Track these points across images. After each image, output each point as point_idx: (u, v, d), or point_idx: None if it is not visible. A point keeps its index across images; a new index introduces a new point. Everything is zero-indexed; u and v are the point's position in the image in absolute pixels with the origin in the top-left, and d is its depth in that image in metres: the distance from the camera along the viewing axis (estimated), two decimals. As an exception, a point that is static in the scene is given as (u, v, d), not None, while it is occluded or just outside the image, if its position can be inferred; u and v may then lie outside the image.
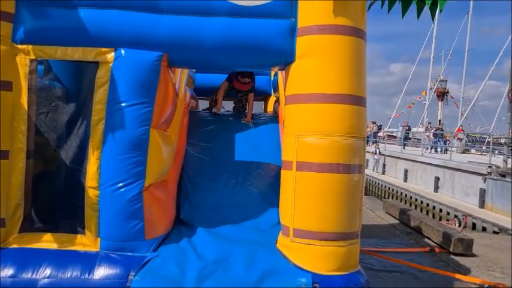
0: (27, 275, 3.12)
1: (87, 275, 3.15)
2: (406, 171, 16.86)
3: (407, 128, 23.83)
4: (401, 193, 15.00)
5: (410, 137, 24.14)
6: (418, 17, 3.23)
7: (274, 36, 3.38)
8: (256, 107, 6.16)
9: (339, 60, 3.28)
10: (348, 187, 3.27)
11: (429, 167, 15.05)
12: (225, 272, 3.20)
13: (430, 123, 27.86)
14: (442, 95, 37.02)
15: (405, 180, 16.76)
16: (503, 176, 11.19)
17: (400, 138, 23.23)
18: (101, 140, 3.28)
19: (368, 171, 18.87)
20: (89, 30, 3.29)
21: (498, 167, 11.73)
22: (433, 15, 3.21)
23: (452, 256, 6.90)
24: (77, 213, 3.34)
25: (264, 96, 7.17)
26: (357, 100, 3.32)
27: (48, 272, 3.14)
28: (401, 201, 13.99)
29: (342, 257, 3.28)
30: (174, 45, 3.39)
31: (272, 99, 6.69)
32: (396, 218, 10.26)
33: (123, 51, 3.32)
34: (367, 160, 18.43)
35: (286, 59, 3.44)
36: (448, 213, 11.61)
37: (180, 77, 4.51)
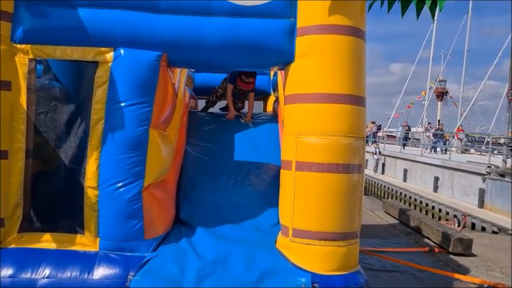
0: (27, 275, 3.11)
1: (86, 275, 3.14)
2: (405, 171, 16.88)
3: (407, 127, 23.80)
4: (401, 193, 15.01)
5: (409, 137, 24.12)
6: (417, 17, 3.23)
7: (274, 36, 3.37)
8: (256, 106, 6.14)
9: (338, 60, 3.28)
10: (348, 187, 3.27)
11: (428, 167, 15.07)
12: (224, 271, 3.20)
13: (429, 123, 27.87)
14: (441, 95, 37.07)
15: (404, 180, 16.78)
16: (503, 176, 11.20)
17: (400, 138, 23.25)
18: (100, 140, 3.27)
19: (368, 172, 18.89)
20: (88, 29, 3.29)
21: (497, 167, 11.74)
22: (432, 15, 3.21)
23: (451, 256, 6.91)
24: (76, 213, 3.34)
25: (263, 96, 7.17)
26: (356, 100, 3.32)
27: (47, 272, 3.13)
28: (400, 201, 14.00)
29: (342, 256, 3.28)
30: (174, 45, 3.39)
31: (271, 99, 6.69)
32: (396, 218, 10.27)
33: (122, 51, 3.32)
34: (367, 160, 18.43)
35: (285, 58, 3.44)
36: (448, 213, 11.62)
37: (180, 76, 4.51)
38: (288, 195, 3.36)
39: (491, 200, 11.40)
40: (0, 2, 3.22)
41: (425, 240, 8.01)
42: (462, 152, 19.57)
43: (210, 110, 5.95)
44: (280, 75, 4.81)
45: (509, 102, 12.54)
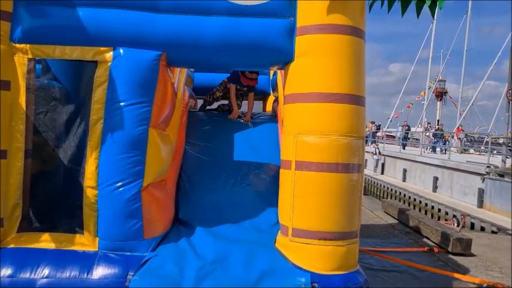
0: (26, 275, 3.11)
1: (85, 275, 3.14)
2: (404, 171, 16.89)
3: (406, 127, 23.81)
4: (400, 193, 15.02)
5: (409, 137, 24.12)
6: (417, 16, 3.22)
7: (273, 35, 3.37)
8: (255, 106, 6.13)
9: (338, 60, 3.27)
10: (347, 186, 3.27)
11: (428, 167, 15.07)
12: (223, 271, 3.19)
13: (429, 123, 27.87)
14: (440, 95, 37.05)
15: (404, 180, 16.79)
16: (502, 175, 11.21)
17: (399, 138, 23.26)
18: (99, 140, 3.27)
19: (368, 172, 18.89)
20: (87, 29, 3.28)
21: (496, 167, 11.75)
22: (432, 14, 3.21)
23: (450, 256, 6.92)
24: (75, 213, 3.33)
25: (262, 95, 7.17)
26: (356, 99, 3.32)
27: (46, 271, 3.13)
28: (400, 201, 14.00)
29: (341, 256, 3.27)
30: (173, 45, 3.38)
31: (271, 99, 6.69)
32: (395, 218, 10.28)
33: (121, 51, 3.32)
34: (366, 160, 18.44)
35: (285, 58, 3.44)
36: (447, 213, 11.62)
37: (179, 76, 4.50)
38: (288, 195, 3.36)
39: (490, 200, 11.41)
40: (-1, 1, 3.22)
41: (425, 240, 8.02)
42: (461, 152, 19.59)
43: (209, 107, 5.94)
44: (280, 75, 4.81)
45: (509, 102, 12.55)
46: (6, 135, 3.28)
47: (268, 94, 6.97)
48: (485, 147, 17.74)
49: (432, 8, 3.09)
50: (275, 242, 3.53)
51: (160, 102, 3.47)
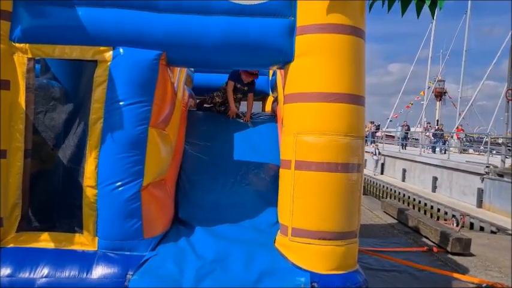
0: (25, 275, 3.10)
1: (85, 275, 3.14)
2: (404, 171, 16.90)
3: (406, 127, 23.81)
4: (400, 193, 15.02)
5: (408, 137, 24.13)
6: (418, 16, 3.22)
7: (273, 35, 3.37)
8: (254, 107, 6.13)
9: (338, 59, 3.27)
10: (347, 186, 3.27)
11: (427, 166, 15.08)
12: (223, 271, 3.19)
13: (429, 123, 27.86)
14: (440, 95, 37.09)
15: (403, 180, 16.80)
16: (501, 175, 11.22)
17: (399, 138, 23.26)
18: (99, 139, 3.27)
19: (367, 172, 18.89)
20: (87, 28, 3.28)
21: (496, 166, 11.77)
22: (432, 14, 3.21)
23: (450, 255, 6.93)
24: (74, 213, 3.33)
25: (262, 96, 7.17)
26: (355, 99, 3.32)
27: (45, 271, 3.12)
28: (399, 201, 14.01)
29: (341, 256, 3.27)
30: (173, 44, 3.38)
31: (270, 99, 6.70)
32: (394, 218, 10.29)
33: (121, 50, 3.31)
34: (366, 160, 18.44)
35: (285, 58, 3.44)
36: (446, 213, 11.63)
37: (179, 76, 4.51)
38: (287, 195, 3.36)
39: (489, 199, 11.42)
40: (-1, 1, 3.21)
41: (424, 239, 8.03)
42: (461, 152, 19.61)
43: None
44: (280, 74, 4.80)
45: (508, 102, 12.56)
46: (5, 134, 3.27)
47: (267, 95, 6.97)
48: (485, 147, 17.74)
49: (432, 8, 3.09)
50: (275, 242, 3.53)
51: (160, 101, 3.46)
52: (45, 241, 3.32)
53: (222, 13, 3.34)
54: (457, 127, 26.94)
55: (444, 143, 20.61)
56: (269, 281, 3.13)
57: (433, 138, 21.68)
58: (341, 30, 3.25)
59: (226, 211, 4.05)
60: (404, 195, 14.63)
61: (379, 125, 29.68)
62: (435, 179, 14.31)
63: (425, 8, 3.14)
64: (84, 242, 3.32)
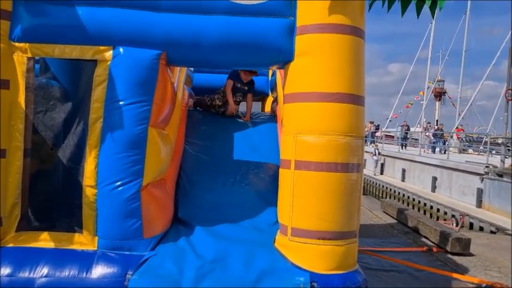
0: (25, 274, 3.10)
1: (84, 274, 3.13)
2: (403, 171, 16.90)
3: (406, 127, 23.81)
4: (399, 193, 15.03)
5: (408, 137, 24.14)
6: (418, 16, 3.23)
7: (273, 34, 3.37)
8: (254, 107, 6.13)
9: (337, 59, 3.27)
10: (346, 186, 3.27)
11: (427, 166, 15.09)
12: (223, 271, 3.19)
13: (429, 123, 27.87)
14: (439, 95, 37.08)
15: (403, 180, 16.81)
16: (501, 175, 11.23)
17: (398, 138, 23.27)
18: (98, 139, 3.26)
19: (367, 172, 18.89)
20: (86, 28, 3.28)
21: (495, 166, 11.77)
22: (432, 14, 3.21)
23: (449, 255, 6.93)
24: (74, 212, 3.33)
25: (261, 96, 7.17)
26: (355, 99, 3.32)
27: (45, 271, 3.12)
28: (399, 201, 14.01)
29: (340, 256, 3.27)
30: (173, 44, 3.38)
31: (270, 100, 6.70)
32: (394, 218, 10.29)
33: (121, 50, 3.31)
34: (365, 160, 18.44)
35: (285, 57, 3.44)
36: (446, 213, 11.63)
37: (179, 75, 4.50)
38: (287, 194, 3.36)
39: (489, 199, 11.43)
40: (-1, 0, 3.21)
41: (424, 239, 8.03)
42: (460, 152, 19.62)
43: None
44: (279, 74, 4.80)
45: (508, 102, 12.57)
46: (5, 134, 3.27)
47: (267, 95, 6.97)
48: (484, 147, 17.75)
49: (432, 8, 3.09)
50: (274, 242, 3.53)
51: (160, 101, 3.46)
52: (44, 241, 3.32)
53: (222, 13, 3.34)
54: (457, 127, 26.96)
55: (444, 143, 20.62)
56: (269, 281, 3.13)
57: (433, 138, 21.68)
58: (341, 30, 3.25)
59: (226, 211, 4.05)
60: (403, 195, 14.64)
61: (378, 125, 29.70)
62: (435, 179, 14.32)
63: (425, 8, 3.14)
64: (83, 241, 3.32)
